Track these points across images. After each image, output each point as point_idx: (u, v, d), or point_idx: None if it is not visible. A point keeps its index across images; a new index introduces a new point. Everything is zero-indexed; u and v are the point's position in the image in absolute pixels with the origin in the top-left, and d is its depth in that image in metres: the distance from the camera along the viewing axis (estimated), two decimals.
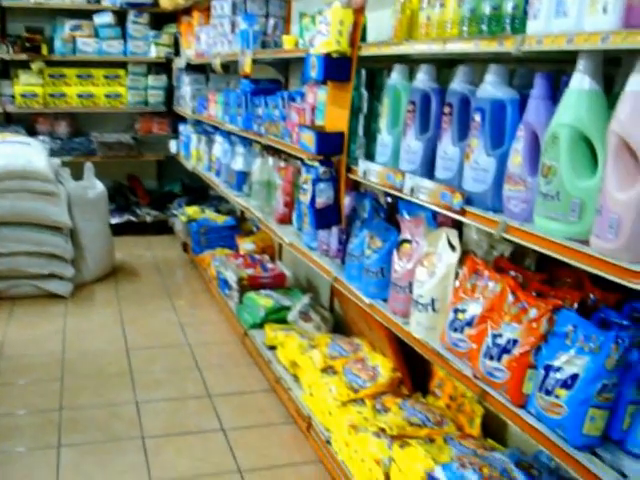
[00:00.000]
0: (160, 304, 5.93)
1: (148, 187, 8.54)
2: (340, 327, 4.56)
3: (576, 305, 2.19)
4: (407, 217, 2.91)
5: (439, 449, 2.85)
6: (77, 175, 6.47)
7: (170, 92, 8.17)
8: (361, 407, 3.35)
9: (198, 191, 8.11)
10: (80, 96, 7.87)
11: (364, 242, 3.13)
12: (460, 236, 2.72)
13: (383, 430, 3.07)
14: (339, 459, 3.28)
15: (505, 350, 2.19)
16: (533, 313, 2.17)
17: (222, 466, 3.58)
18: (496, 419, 3.12)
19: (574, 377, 1.97)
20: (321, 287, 5.06)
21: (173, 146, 7.65)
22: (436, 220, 2.88)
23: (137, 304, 5.91)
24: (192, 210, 6.99)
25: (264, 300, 4.82)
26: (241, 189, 5.26)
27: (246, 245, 5.97)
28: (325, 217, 3.26)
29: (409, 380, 3.53)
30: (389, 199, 3.41)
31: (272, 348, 4.41)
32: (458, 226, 2.76)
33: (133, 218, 8.00)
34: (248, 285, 5.14)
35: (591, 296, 2.28)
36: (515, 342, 2.17)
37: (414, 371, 3.59)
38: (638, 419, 1.95)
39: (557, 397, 2.00)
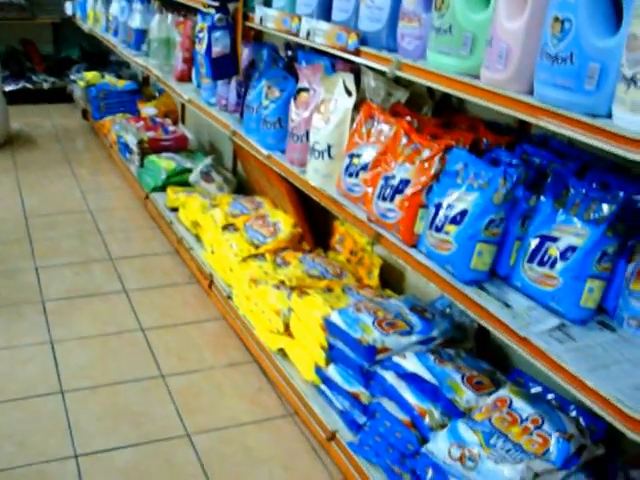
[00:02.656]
0: (60, 172, 5.74)
1: (44, 52, 8.10)
2: (243, 189, 4.51)
3: (468, 146, 2.19)
4: (305, 65, 2.84)
5: (337, 298, 2.89)
6: None
7: None
8: (262, 262, 3.35)
9: (97, 56, 7.75)
10: None
11: (262, 93, 3.04)
12: (358, 84, 2.66)
13: (283, 282, 3.08)
14: (240, 313, 3.30)
15: (398, 190, 2.19)
16: (426, 153, 2.16)
17: (125, 326, 3.57)
18: (394, 271, 3.18)
19: (463, 213, 1.99)
20: (224, 150, 4.96)
21: (68, 7, 7.22)
22: (334, 69, 2.81)
23: (36, 172, 5.70)
24: (91, 75, 6.68)
25: (165, 162, 4.70)
26: (140, 48, 5.04)
27: (148, 110, 5.78)
28: (221, 67, 3.15)
29: (310, 236, 3.54)
30: (289, 52, 3.31)
31: (174, 210, 4.34)
32: (357, 75, 2.71)
33: (29, 85, 7.60)
34: (149, 148, 5.00)
35: (484, 140, 2.29)
36: (407, 182, 2.17)
37: (316, 229, 3.60)
38: (523, 255, 1.99)
39: (446, 233, 2.02)
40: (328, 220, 3.49)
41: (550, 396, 2.27)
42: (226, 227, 3.69)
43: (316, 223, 3.55)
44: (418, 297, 2.88)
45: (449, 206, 2.03)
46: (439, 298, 2.82)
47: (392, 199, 2.20)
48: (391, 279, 3.18)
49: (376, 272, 3.12)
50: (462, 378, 2.33)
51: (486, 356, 2.64)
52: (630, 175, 2.04)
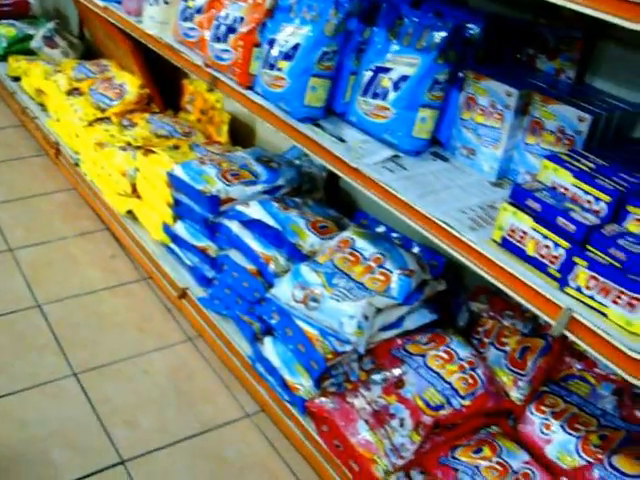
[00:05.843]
0: None
1: None
2: (92, 55, 4.26)
3: None
4: None
5: (184, 155, 2.80)
6: None
7: None
8: (108, 125, 3.19)
9: None
10: None
11: None
12: None
13: (129, 143, 2.96)
14: (88, 179, 3.17)
15: (231, 30, 2.09)
16: None
17: None
18: (245, 127, 3.11)
19: (295, 47, 1.91)
20: (70, 15, 4.63)
21: None
22: None
23: None
24: None
25: (5, 29, 4.35)
26: None
27: None
28: None
29: (159, 97, 3.39)
30: None
31: (16, 79, 4.07)
32: None
33: None
34: None
35: None
36: (241, 20, 2.07)
37: (166, 90, 3.45)
38: (357, 89, 1.94)
39: (280, 70, 1.95)
40: (178, 80, 3.35)
41: (394, 235, 2.30)
42: (70, 92, 3.48)
43: (166, 84, 3.40)
44: (267, 150, 2.83)
45: (282, 42, 1.95)
46: (290, 150, 2.77)
47: (226, 39, 2.10)
48: (242, 136, 3.11)
49: (225, 128, 3.04)
50: (306, 223, 2.32)
51: (336, 205, 2.64)
52: (465, 5, 2.01)
